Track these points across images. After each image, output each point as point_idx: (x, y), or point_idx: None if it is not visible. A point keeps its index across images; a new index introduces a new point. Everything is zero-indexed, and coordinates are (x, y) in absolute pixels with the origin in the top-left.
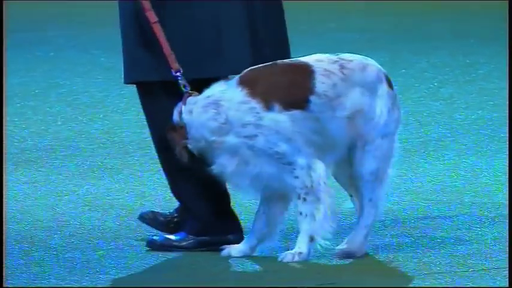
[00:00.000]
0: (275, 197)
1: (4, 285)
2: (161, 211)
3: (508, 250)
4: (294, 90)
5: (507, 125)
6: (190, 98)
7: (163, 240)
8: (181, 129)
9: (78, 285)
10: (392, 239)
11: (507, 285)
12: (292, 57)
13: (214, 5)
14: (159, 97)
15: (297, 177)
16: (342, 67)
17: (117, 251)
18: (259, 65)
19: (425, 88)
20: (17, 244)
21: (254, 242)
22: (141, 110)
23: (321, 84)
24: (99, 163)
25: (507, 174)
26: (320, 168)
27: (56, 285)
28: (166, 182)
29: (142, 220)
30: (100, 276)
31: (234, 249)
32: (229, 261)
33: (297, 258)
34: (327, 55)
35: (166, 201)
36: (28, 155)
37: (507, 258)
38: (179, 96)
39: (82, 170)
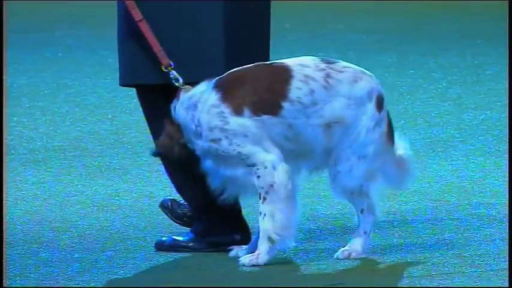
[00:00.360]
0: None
1: (4, 285)
2: (181, 201)
3: (508, 250)
4: (266, 95)
5: (507, 125)
6: (182, 92)
7: (171, 241)
8: (178, 126)
9: (87, 286)
10: (400, 239)
11: (507, 286)
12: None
13: (193, 5)
14: (157, 101)
15: (259, 176)
16: (327, 76)
17: (126, 251)
18: (240, 68)
19: (433, 89)
20: (25, 244)
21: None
22: None
23: (297, 90)
24: (108, 164)
25: (507, 174)
26: (284, 169)
27: (64, 285)
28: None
29: (162, 208)
30: (108, 276)
31: (242, 251)
32: (237, 261)
33: (254, 261)
34: (319, 61)
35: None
36: (37, 156)
37: None
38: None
39: (90, 171)
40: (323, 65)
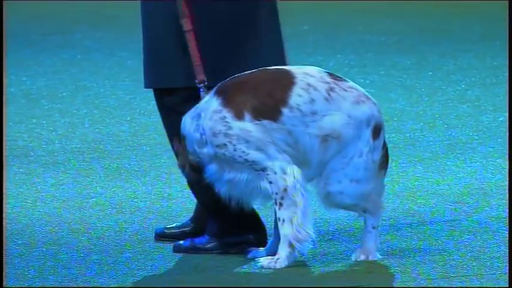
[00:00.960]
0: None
1: (4, 285)
2: (173, 224)
3: (508, 251)
4: (267, 100)
5: (507, 126)
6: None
7: (189, 244)
8: (183, 141)
9: (105, 287)
10: (418, 241)
11: (507, 286)
12: (313, 60)
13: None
14: (177, 106)
15: (270, 182)
16: (331, 89)
17: (144, 253)
18: (243, 73)
19: (452, 91)
20: (44, 246)
21: (274, 249)
22: None
23: (297, 97)
24: (126, 165)
25: (507, 174)
26: (294, 171)
27: (83, 286)
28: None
29: (159, 238)
30: (127, 278)
31: (260, 252)
32: (255, 263)
33: (272, 264)
34: (325, 74)
35: (192, 203)
36: (56, 158)
37: None
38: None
39: (109, 172)
40: (329, 79)
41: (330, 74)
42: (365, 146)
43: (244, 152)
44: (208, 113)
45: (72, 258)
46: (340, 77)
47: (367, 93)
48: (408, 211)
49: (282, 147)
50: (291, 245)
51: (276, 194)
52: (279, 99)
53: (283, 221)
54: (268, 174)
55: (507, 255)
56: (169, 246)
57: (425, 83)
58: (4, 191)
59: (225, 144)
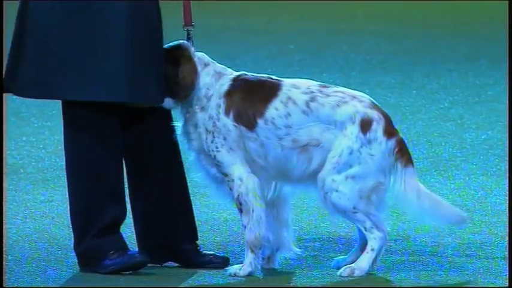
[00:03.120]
0: (268, 205)
1: (4, 285)
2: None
3: (508, 251)
4: (249, 108)
5: (507, 131)
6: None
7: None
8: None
9: (106, 286)
10: (403, 256)
11: (507, 286)
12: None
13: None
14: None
15: (231, 189)
16: (311, 99)
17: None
18: (249, 74)
19: (436, 109)
20: (34, 262)
21: (266, 253)
22: None
23: (274, 110)
24: None
25: (507, 178)
26: (251, 181)
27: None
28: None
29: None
30: None
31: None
32: (224, 271)
33: (237, 271)
34: (315, 84)
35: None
36: (45, 175)
37: None
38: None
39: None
40: (315, 88)
41: (320, 84)
42: (354, 143)
43: (217, 147)
44: (219, 91)
45: (61, 274)
46: (328, 85)
47: (358, 93)
48: (392, 227)
49: (252, 157)
50: (252, 251)
51: (236, 200)
52: (258, 110)
53: (244, 227)
54: (228, 181)
55: (490, 271)
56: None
57: (409, 101)
58: (4, 197)
59: (210, 132)
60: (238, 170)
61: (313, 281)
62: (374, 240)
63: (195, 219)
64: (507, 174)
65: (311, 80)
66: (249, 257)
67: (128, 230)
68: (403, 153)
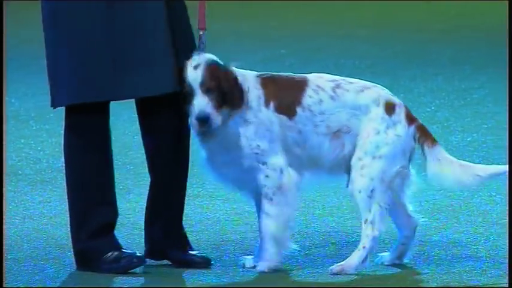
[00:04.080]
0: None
1: (4, 286)
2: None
3: (508, 251)
4: (287, 98)
5: (507, 131)
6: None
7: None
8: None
9: (105, 287)
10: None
11: (507, 286)
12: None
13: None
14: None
15: (267, 176)
16: (337, 86)
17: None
18: (271, 73)
19: (422, 112)
20: (32, 261)
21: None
22: None
23: (308, 98)
24: None
25: (507, 189)
26: (292, 175)
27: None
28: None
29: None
30: None
31: (248, 260)
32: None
33: (268, 264)
34: (334, 76)
35: None
36: (43, 176)
37: (502, 275)
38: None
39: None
40: (337, 77)
41: (339, 77)
42: (380, 124)
43: (260, 138)
44: (250, 81)
45: (59, 273)
46: (345, 78)
47: (375, 84)
48: None
49: (290, 147)
50: (276, 241)
51: (269, 188)
52: (295, 98)
53: (270, 216)
54: (267, 168)
55: (475, 269)
56: (154, 261)
57: None
58: (4, 196)
59: (251, 122)
60: (279, 161)
61: (308, 277)
62: (367, 239)
63: (189, 218)
64: (496, 177)
65: (326, 74)
66: (275, 248)
67: (125, 230)
68: (427, 136)
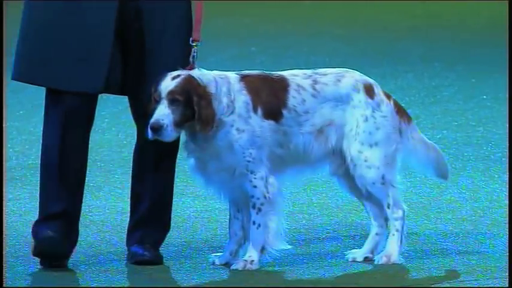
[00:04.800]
0: (241, 200)
1: (4, 285)
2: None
3: (507, 251)
4: (272, 101)
5: (507, 131)
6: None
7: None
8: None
9: (107, 287)
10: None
11: (507, 286)
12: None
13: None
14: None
15: (255, 186)
16: (314, 82)
17: (98, 265)
18: (248, 71)
19: None
20: (2, 258)
21: (234, 247)
22: (121, 130)
23: (292, 98)
24: None
25: (507, 193)
26: (276, 182)
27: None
28: None
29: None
30: None
31: (218, 258)
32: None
33: (249, 266)
34: (303, 70)
35: None
36: (13, 173)
37: (470, 272)
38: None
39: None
40: (308, 73)
41: (307, 71)
42: (366, 109)
43: (252, 145)
44: (235, 87)
45: (28, 271)
46: (314, 69)
47: (342, 69)
48: (351, 223)
49: (274, 150)
50: (263, 249)
51: (258, 199)
52: (281, 100)
53: (259, 225)
54: (255, 178)
55: (445, 266)
56: (123, 257)
57: None
58: (4, 194)
59: (243, 131)
60: (265, 169)
61: (302, 275)
62: (396, 222)
63: (179, 216)
64: (463, 172)
65: (295, 70)
66: (259, 254)
67: (95, 227)
68: (402, 112)
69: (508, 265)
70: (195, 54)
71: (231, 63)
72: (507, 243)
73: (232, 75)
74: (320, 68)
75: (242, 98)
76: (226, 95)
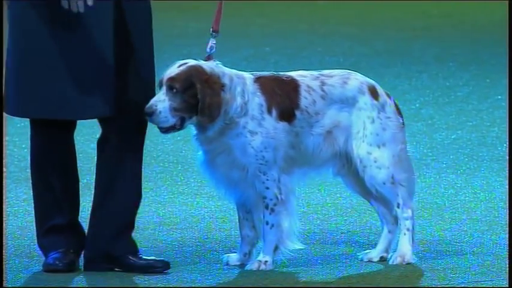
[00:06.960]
0: (250, 200)
1: (4, 286)
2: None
3: (507, 251)
4: (286, 102)
5: (507, 131)
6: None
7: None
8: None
9: (108, 287)
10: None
11: (507, 286)
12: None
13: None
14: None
15: (267, 188)
16: (322, 83)
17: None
18: (258, 73)
19: (407, 109)
20: (17, 259)
21: (247, 248)
22: None
23: (304, 99)
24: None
25: (508, 190)
26: (289, 182)
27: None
28: (160, 199)
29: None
30: None
31: (231, 258)
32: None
33: (263, 266)
34: (309, 71)
35: (159, 217)
36: (27, 174)
37: (486, 272)
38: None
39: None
40: (315, 74)
41: (312, 71)
42: (372, 111)
43: (266, 148)
44: (249, 88)
45: (28, 271)
46: (319, 71)
47: (344, 70)
48: (365, 224)
49: (287, 151)
50: (276, 249)
51: (271, 200)
52: (293, 102)
53: (272, 225)
54: (267, 179)
55: (460, 266)
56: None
57: None
58: (4, 195)
59: (256, 133)
60: (278, 170)
61: (317, 276)
62: (406, 221)
63: (173, 215)
64: (477, 173)
65: (301, 70)
66: (273, 254)
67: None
68: (399, 113)
69: (508, 265)
70: (214, 45)
71: (245, 63)
72: (507, 243)
73: (248, 76)
74: (334, 68)
75: (256, 100)
76: (241, 95)
